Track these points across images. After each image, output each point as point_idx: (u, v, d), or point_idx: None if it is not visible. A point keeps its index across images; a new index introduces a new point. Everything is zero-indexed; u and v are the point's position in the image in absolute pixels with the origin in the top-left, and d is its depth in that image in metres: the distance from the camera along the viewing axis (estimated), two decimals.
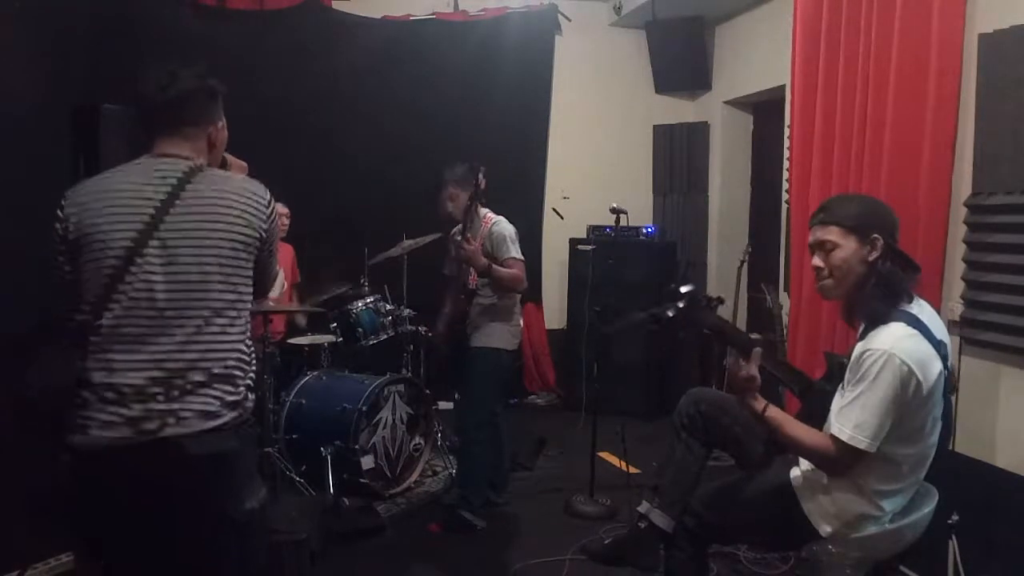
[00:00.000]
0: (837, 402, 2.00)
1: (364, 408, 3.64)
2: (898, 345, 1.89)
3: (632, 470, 3.64)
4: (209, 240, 1.61)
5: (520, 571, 3.08)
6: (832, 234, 2.03)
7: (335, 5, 5.24)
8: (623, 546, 2.72)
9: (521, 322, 3.54)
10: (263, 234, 1.69)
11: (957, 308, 2.94)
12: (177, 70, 1.72)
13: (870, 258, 1.99)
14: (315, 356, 4.26)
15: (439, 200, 3.48)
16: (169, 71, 1.71)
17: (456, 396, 4.26)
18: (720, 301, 2.18)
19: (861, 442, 1.89)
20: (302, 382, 3.91)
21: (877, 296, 1.97)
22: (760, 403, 2.04)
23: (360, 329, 4.06)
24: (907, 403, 1.90)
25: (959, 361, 2.92)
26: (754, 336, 2.08)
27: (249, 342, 1.69)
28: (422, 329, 4.26)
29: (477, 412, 3.46)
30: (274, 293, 4.45)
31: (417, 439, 4.00)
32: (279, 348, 4.14)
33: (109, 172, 1.69)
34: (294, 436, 3.76)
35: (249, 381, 1.68)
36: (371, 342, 4.07)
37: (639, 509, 2.57)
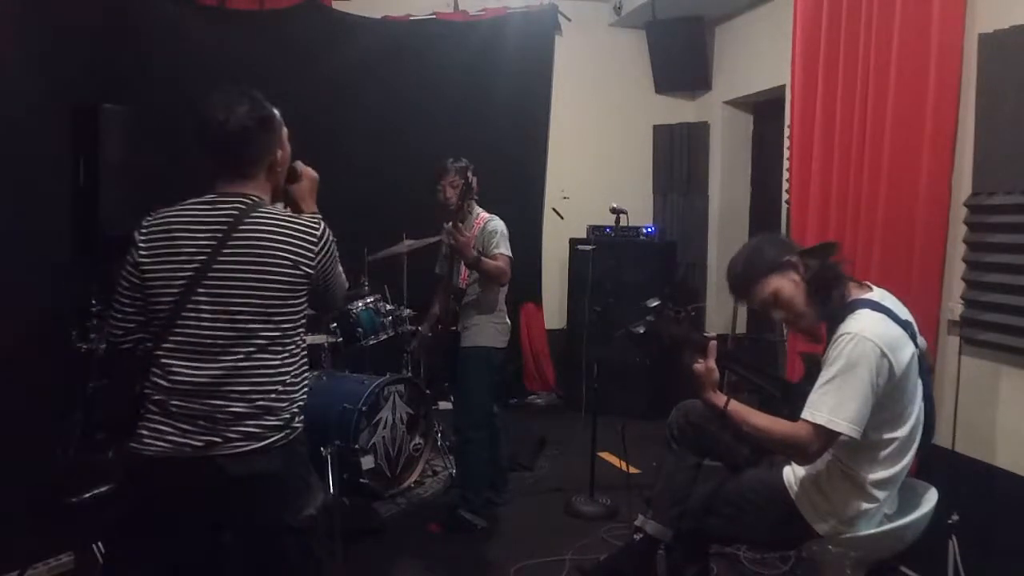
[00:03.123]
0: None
1: (364, 408, 3.64)
2: (868, 328, 1.93)
3: (632, 470, 3.64)
4: (254, 282, 1.70)
5: (520, 571, 3.08)
6: (756, 296, 2.13)
7: (335, 5, 5.24)
8: (618, 561, 2.73)
9: (508, 320, 3.55)
10: (310, 270, 1.76)
11: (957, 308, 2.94)
12: (227, 104, 1.74)
13: (799, 280, 2.08)
14: (315, 356, 4.25)
15: (440, 186, 3.47)
16: (219, 108, 1.74)
17: (452, 396, 4.27)
18: (690, 311, 2.20)
19: (839, 425, 1.88)
20: None
21: (825, 295, 2.04)
22: (720, 398, 2.06)
23: (360, 329, 4.05)
24: (882, 385, 1.91)
25: (959, 361, 2.92)
26: (708, 334, 2.12)
27: (296, 372, 1.78)
28: (420, 329, 4.26)
29: (473, 412, 3.48)
30: None
31: (417, 439, 4.00)
32: None
33: (178, 208, 1.77)
34: None
35: (296, 408, 1.77)
36: (371, 342, 4.07)
37: (635, 523, 2.60)
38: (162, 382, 1.69)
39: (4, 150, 3.26)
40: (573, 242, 5.58)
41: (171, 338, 1.70)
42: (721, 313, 5.54)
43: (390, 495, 3.76)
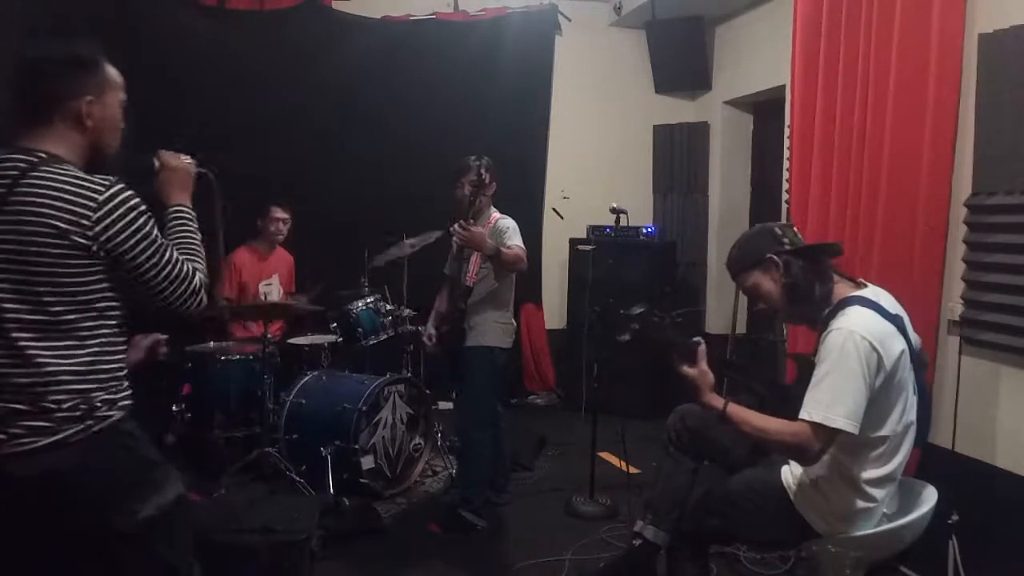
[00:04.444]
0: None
1: (364, 408, 3.64)
2: (858, 323, 1.94)
3: (632, 470, 3.64)
4: (13, 255, 1.48)
5: (520, 571, 3.08)
6: (741, 285, 2.20)
7: (335, 5, 5.24)
8: (618, 567, 2.73)
9: (514, 320, 3.56)
10: (85, 240, 1.49)
11: (957, 308, 2.94)
12: (45, 43, 1.56)
13: (779, 277, 2.11)
14: (315, 356, 4.26)
15: (460, 183, 3.46)
16: (40, 44, 1.56)
17: (453, 396, 4.27)
18: (675, 317, 2.21)
19: (836, 421, 1.89)
20: (302, 382, 3.91)
21: (807, 296, 2.07)
22: (718, 400, 2.07)
23: (360, 329, 4.05)
24: (874, 379, 1.92)
25: (959, 361, 2.93)
26: (696, 339, 2.13)
27: (90, 359, 1.55)
28: (422, 329, 4.26)
29: (478, 412, 3.48)
30: (272, 297, 4.45)
31: (417, 439, 4.00)
32: (279, 348, 4.14)
33: None
34: (294, 436, 3.76)
35: (103, 396, 1.55)
36: (371, 342, 4.07)
37: (634, 528, 2.60)
38: None
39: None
40: (573, 242, 5.58)
41: None
42: (721, 313, 5.54)
43: (390, 495, 3.76)
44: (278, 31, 4.96)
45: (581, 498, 3.69)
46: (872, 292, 2.08)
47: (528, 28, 5.61)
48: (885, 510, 2.07)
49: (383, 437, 3.79)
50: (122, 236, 1.53)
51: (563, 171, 5.87)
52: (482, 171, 3.33)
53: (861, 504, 2.02)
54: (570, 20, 5.78)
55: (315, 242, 4.76)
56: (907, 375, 2.02)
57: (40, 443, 1.49)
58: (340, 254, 4.68)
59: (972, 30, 2.88)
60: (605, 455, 4.12)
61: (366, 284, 4.28)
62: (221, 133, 4.33)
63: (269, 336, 3.77)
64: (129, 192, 1.56)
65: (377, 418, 3.77)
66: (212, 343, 4.02)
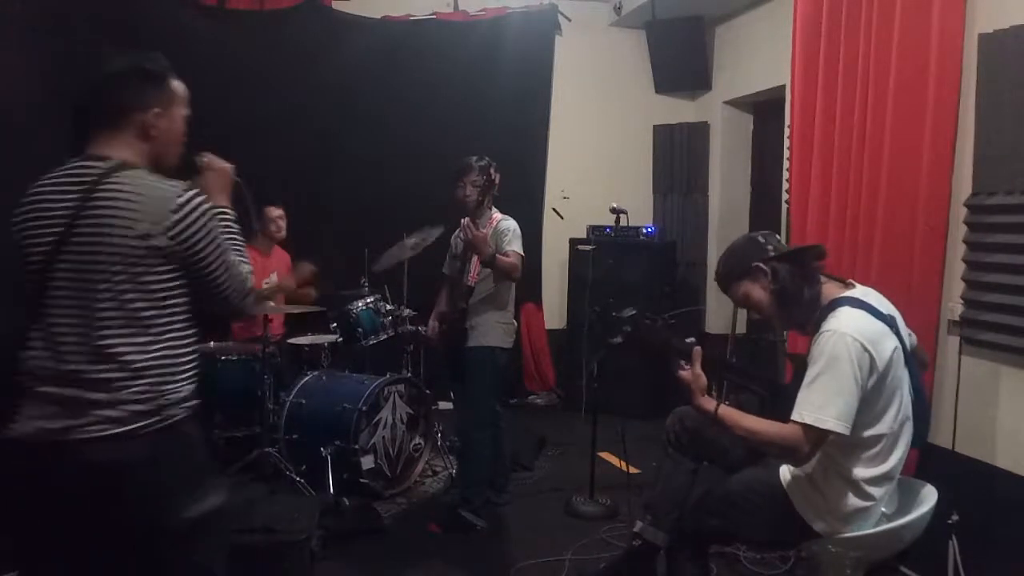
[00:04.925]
0: None
1: (364, 408, 3.64)
2: (847, 324, 1.96)
3: (632, 470, 3.64)
4: (100, 255, 1.55)
5: (520, 571, 3.08)
6: (732, 296, 2.23)
7: (335, 5, 5.24)
8: (617, 568, 2.74)
9: (515, 320, 3.56)
10: (162, 243, 1.57)
11: (957, 308, 2.94)
12: (116, 56, 1.64)
13: (768, 284, 2.12)
14: (315, 356, 4.26)
15: (461, 183, 3.47)
16: (113, 58, 1.63)
17: (452, 396, 4.27)
18: (667, 319, 2.22)
19: (827, 422, 1.90)
20: (302, 382, 3.91)
21: (796, 300, 2.09)
22: (710, 403, 2.07)
23: (360, 329, 4.05)
24: (866, 379, 1.92)
25: (959, 361, 2.93)
26: (689, 340, 2.14)
27: (165, 356, 1.61)
28: (422, 329, 4.27)
29: (479, 412, 3.48)
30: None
31: (417, 439, 4.00)
32: (279, 348, 4.14)
33: (45, 178, 1.66)
34: (294, 436, 3.76)
35: (171, 395, 1.61)
36: (371, 342, 4.07)
37: (634, 529, 2.61)
38: (28, 364, 1.60)
39: (4, 150, 3.26)
40: (573, 242, 5.58)
41: (38, 317, 1.59)
42: (721, 313, 5.54)
43: (390, 495, 3.76)
44: (278, 31, 4.96)
45: (581, 498, 3.69)
46: (861, 292, 2.09)
47: (528, 28, 5.61)
48: (884, 510, 2.07)
49: (383, 437, 3.79)
50: (196, 237, 1.61)
51: (563, 171, 5.87)
52: (490, 171, 3.34)
53: (859, 503, 2.02)
54: (570, 20, 5.78)
55: (315, 242, 4.76)
56: (901, 374, 2.02)
57: (112, 431, 1.54)
58: (340, 254, 4.67)
59: (972, 30, 2.88)
60: (605, 455, 4.12)
61: (366, 284, 4.28)
62: (221, 133, 4.28)
63: (269, 336, 3.77)
64: (202, 196, 1.65)
65: (377, 418, 3.77)
66: (212, 343, 4.02)
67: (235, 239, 1.76)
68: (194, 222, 1.60)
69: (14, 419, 1.58)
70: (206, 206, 1.64)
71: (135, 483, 1.56)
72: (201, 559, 1.67)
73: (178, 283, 1.63)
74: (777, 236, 2.24)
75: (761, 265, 2.14)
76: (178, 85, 1.75)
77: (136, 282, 1.57)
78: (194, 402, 1.68)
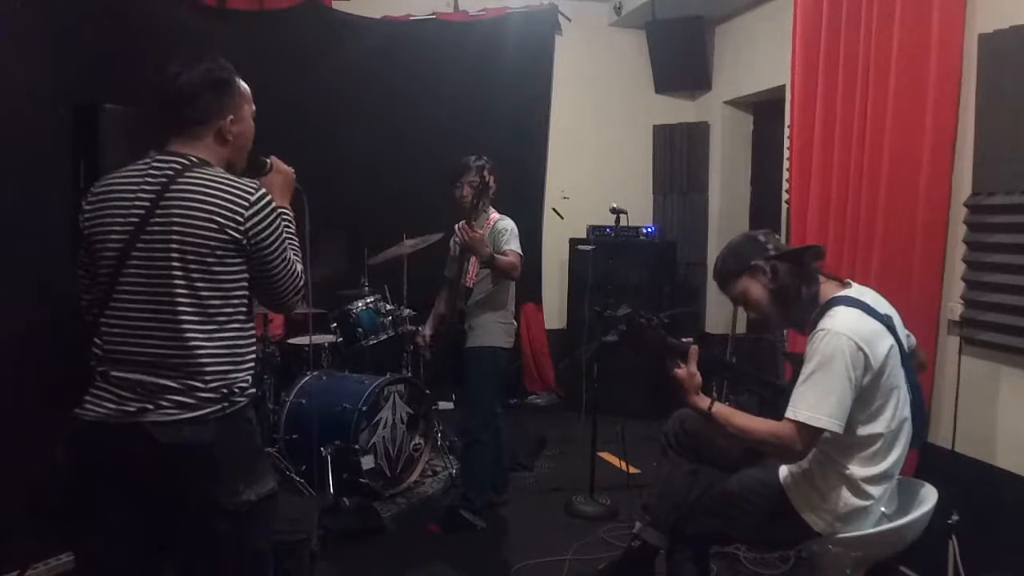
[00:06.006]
0: None
1: (364, 408, 3.64)
2: (841, 323, 1.96)
3: (632, 470, 3.64)
4: (179, 245, 1.64)
5: (520, 571, 3.08)
6: (730, 293, 2.24)
7: (335, 5, 5.24)
8: (617, 570, 2.74)
9: (515, 320, 3.56)
10: (238, 235, 1.66)
11: (957, 308, 2.94)
12: (184, 65, 1.72)
13: (767, 282, 2.13)
14: (315, 356, 4.26)
15: (459, 184, 3.47)
16: (175, 67, 1.72)
17: (453, 396, 4.27)
18: (663, 318, 2.23)
19: (820, 420, 1.91)
20: (302, 382, 3.91)
21: (794, 299, 2.10)
22: (705, 401, 2.08)
23: (360, 329, 4.06)
24: (860, 378, 1.93)
25: (959, 361, 2.92)
26: (685, 340, 2.14)
27: (233, 343, 1.71)
28: (421, 329, 4.27)
29: (480, 412, 3.48)
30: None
31: (417, 439, 4.00)
32: (279, 348, 4.14)
33: (118, 172, 1.75)
34: (294, 436, 3.76)
35: (238, 382, 1.71)
36: (371, 342, 4.07)
37: (633, 530, 2.61)
38: (99, 351, 1.68)
39: (4, 150, 3.26)
40: (573, 242, 5.58)
41: (110, 305, 1.67)
42: (721, 313, 5.54)
43: (390, 495, 3.76)
44: (278, 31, 4.95)
45: (581, 498, 3.69)
46: (857, 291, 2.10)
47: (528, 28, 5.61)
48: (884, 509, 2.07)
49: (383, 437, 3.79)
50: (265, 233, 1.70)
51: (563, 171, 5.87)
52: (484, 172, 3.34)
53: (858, 502, 2.02)
54: (570, 20, 5.78)
55: (314, 242, 4.74)
56: (898, 372, 2.03)
57: (183, 416, 1.63)
58: (340, 254, 4.67)
59: (972, 30, 2.88)
60: (605, 455, 4.12)
61: (366, 284, 4.28)
62: None
63: (269, 336, 3.77)
64: (271, 195, 1.76)
65: (377, 418, 3.77)
66: None
67: (293, 239, 1.86)
68: (264, 219, 1.70)
69: (86, 403, 1.67)
70: (274, 204, 1.74)
71: (201, 465, 1.65)
72: (254, 539, 1.76)
73: (244, 276, 1.72)
74: (777, 235, 2.25)
75: (760, 263, 2.14)
76: (243, 85, 1.83)
77: (208, 272, 1.65)
78: (253, 391, 1.78)
